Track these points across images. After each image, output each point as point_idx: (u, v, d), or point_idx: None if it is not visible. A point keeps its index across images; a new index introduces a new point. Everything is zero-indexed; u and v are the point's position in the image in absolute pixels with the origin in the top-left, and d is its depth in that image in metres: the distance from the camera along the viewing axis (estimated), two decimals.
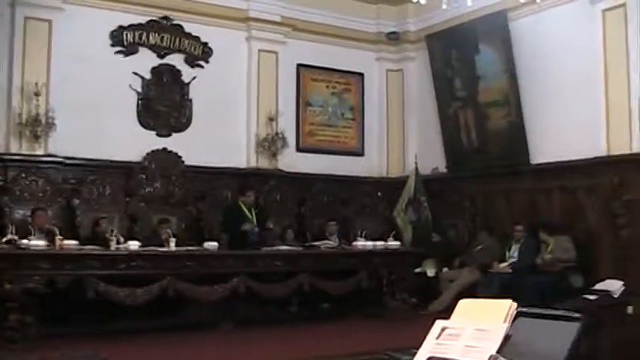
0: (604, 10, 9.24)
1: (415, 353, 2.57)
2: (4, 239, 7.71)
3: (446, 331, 2.52)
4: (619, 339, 7.86)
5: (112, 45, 10.46)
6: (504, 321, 2.43)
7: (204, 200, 10.67)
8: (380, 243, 9.73)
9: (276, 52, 11.69)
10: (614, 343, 7.75)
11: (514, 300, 2.56)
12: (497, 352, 2.32)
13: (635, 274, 8.62)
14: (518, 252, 9.83)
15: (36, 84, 9.47)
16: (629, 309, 8.11)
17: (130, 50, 10.56)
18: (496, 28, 10.62)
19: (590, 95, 9.40)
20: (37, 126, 9.49)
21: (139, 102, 10.62)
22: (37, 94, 9.47)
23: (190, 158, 10.59)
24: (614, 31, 9.10)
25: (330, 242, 9.92)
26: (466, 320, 2.51)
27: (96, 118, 10.05)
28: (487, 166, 11.09)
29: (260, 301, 8.93)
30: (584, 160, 9.40)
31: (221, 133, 11.09)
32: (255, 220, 9.87)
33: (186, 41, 11.00)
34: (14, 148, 9.53)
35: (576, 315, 2.47)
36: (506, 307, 2.47)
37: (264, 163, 11.36)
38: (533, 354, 2.32)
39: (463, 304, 2.61)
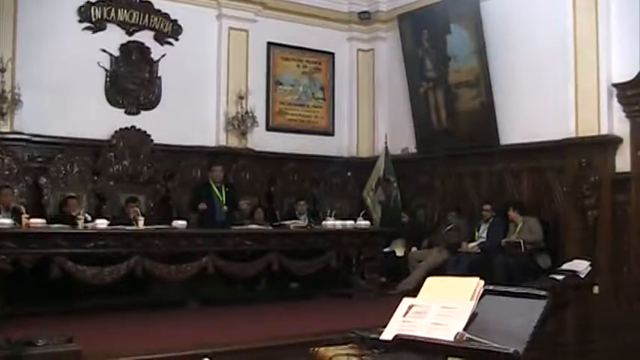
0: None
1: (382, 332, 2.57)
2: None
3: (413, 309, 2.52)
4: (584, 318, 7.97)
5: (80, 21, 10.28)
6: (471, 299, 2.44)
7: (173, 179, 10.60)
8: (349, 223, 9.74)
9: (246, 31, 11.60)
10: (580, 322, 7.85)
11: (482, 279, 2.57)
12: (464, 329, 2.32)
13: (601, 254, 8.73)
14: (487, 232, 9.91)
15: (1, 60, 9.30)
16: (595, 289, 8.21)
17: (98, 26, 10.40)
18: (467, 9, 10.62)
19: (559, 77, 9.44)
20: (2, 103, 9.34)
21: (107, 79, 10.49)
22: (2, 71, 9.31)
23: (159, 136, 10.50)
24: (584, 14, 9.13)
25: (300, 222, 9.93)
26: (433, 298, 2.51)
27: (63, 95, 9.92)
28: (457, 147, 11.13)
29: (228, 279, 8.92)
30: (553, 141, 9.47)
31: (190, 112, 11.01)
32: (224, 200, 9.83)
33: (156, 18, 10.87)
34: None
35: (542, 293, 2.48)
36: (473, 285, 2.48)
37: (234, 142, 11.30)
38: (499, 331, 2.33)
39: (430, 281, 2.61)
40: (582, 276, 8.34)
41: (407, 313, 2.51)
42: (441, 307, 2.43)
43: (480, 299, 2.47)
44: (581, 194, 9.06)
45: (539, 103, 9.83)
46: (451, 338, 2.30)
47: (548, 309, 2.39)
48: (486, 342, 2.25)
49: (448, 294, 2.49)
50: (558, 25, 9.50)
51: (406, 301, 2.56)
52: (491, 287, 2.54)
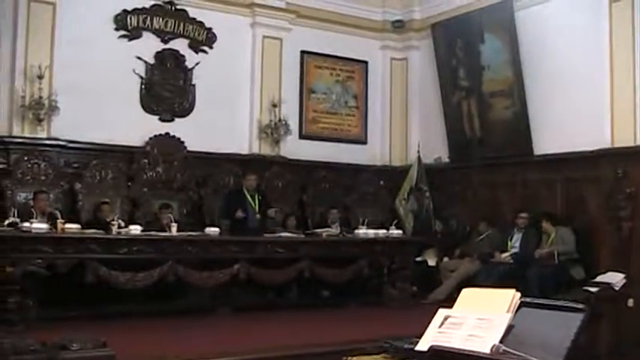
0: (611, 1, 9.18)
1: (416, 342, 2.56)
2: (6, 222, 7.72)
3: (448, 320, 2.51)
4: (618, 331, 7.88)
5: (116, 29, 10.41)
6: (507, 311, 2.42)
7: (206, 186, 10.66)
8: (381, 231, 9.71)
9: (280, 39, 11.65)
10: (614, 335, 7.76)
11: (515, 290, 2.55)
12: (500, 341, 2.31)
13: (636, 267, 8.62)
14: (520, 242, 9.82)
15: (39, 67, 9.43)
16: (630, 302, 8.12)
17: (133, 34, 10.52)
18: (502, 18, 10.57)
19: (595, 87, 9.36)
20: (40, 109, 9.46)
21: (143, 86, 10.60)
22: (40, 77, 9.43)
23: (193, 143, 10.57)
24: (620, 22, 9.05)
25: (332, 230, 9.91)
26: (469, 309, 2.50)
27: (99, 102, 10.03)
28: (490, 157, 11.06)
29: (259, 287, 8.94)
30: (588, 151, 9.37)
31: (224, 119, 11.07)
32: (257, 207, 9.86)
33: (191, 26, 10.97)
34: (17, 131, 9.52)
35: (579, 306, 2.46)
36: (509, 297, 2.47)
37: (267, 150, 11.35)
38: (536, 344, 2.32)
39: (466, 293, 2.60)
40: (617, 288, 8.25)
41: (442, 324, 2.50)
42: (477, 318, 2.42)
43: (516, 311, 2.45)
44: (617, 205, 8.95)
45: (574, 113, 9.74)
46: (487, 350, 2.29)
47: (586, 322, 2.36)
48: (523, 355, 2.24)
49: (484, 305, 2.47)
50: (594, 34, 9.42)
51: (442, 312, 2.55)
52: (527, 299, 2.52)
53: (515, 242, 9.93)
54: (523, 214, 9.92)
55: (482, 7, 10.88)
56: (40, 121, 9.50)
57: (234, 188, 10.38)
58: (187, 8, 10.94)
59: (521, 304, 2.50)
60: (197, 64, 10.98)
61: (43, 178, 9.45)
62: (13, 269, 6.96)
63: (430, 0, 12.29)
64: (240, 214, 9.60)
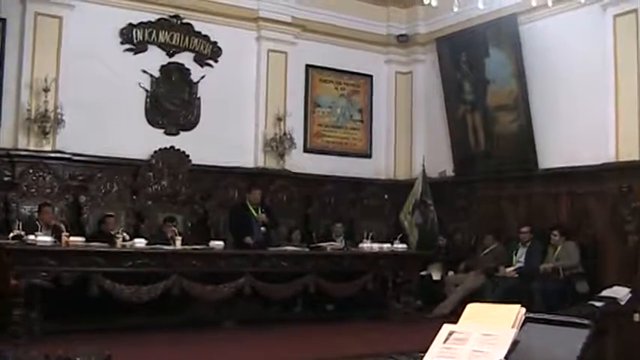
0: (615, 16, 9.21)
1: (420, 357, 2.55)
2: (11, 234, 7.71)
3: (453, 336, 2.49)
4: (624, 347, 7.82)
5: (122, 42, 10.46)
6: (513, 326, 2.41)
7: (211, 199, 10.67)
8: (386, 245, 9.69)
9: (285, 53, 11.68)
10: (619, 351, 7.71)
11: (520, 305, 2.54)
12: (505, 357, 2.30)
13: None
14: (525, 256, 9.80)
15: (45, 80, 9.46)
16: (636, 316, 8.07)
17: (139, 48, 10.57)
18: (506, 32, 10.59)
19: (599, 101, 9.37)
20: (45, 122, 9.50)
21: (148, 100, 10.63)
22: (46, 90, 9.47)
23: (198, 157, 10.59)
24: (625, 37, 9.07)
25: (336, 244, 9.89)
26: (474, 325, 2.48)
27: (104, 115, 10.07)
28: (495, 170, 11.06)
29: (264, 300, 8.93)
30: (593, 166, 9.38)
31: (229, 133, 11.09)
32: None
33: (196, 40, 11.01)
34: (22, 144, 9.56)
35: (585, 322, 2.44)
36: (514, 312, 2.45)
37: (272, 163, 11.36)
38: None
39: (471, 308, 2.58)
40: (622, 303, 8.20)
41: (447, 339, 2.49)
42: (482, 334, 2.40)
43: (521, 327, 2.44)
44: (622, 219, 8.94)
45: (579, 127, 9.75)
46: None
47: (591, 338, 2.35)
48: None
49: (489, 321, 2.46)
50: (598, 48, 9.44)
51: (446, 327, 2.54)
52: (532, 315, 2.51)
53: (521, 256, 9.91)
54: (524, 229, 9.92)
55: (487, 21, 10.87)
56: (45, 134, 9.53)
57: (238, 202, 10.36)
58: (193, 22, 10.98)
59: (527, 320, 2.49)
60: (202, 77, 11.01)
61: (48, 190, 9.48)
62: (17, 282, 6.97)
63: (435, 14, 12.26)
64: (249, 240, 9.52)
